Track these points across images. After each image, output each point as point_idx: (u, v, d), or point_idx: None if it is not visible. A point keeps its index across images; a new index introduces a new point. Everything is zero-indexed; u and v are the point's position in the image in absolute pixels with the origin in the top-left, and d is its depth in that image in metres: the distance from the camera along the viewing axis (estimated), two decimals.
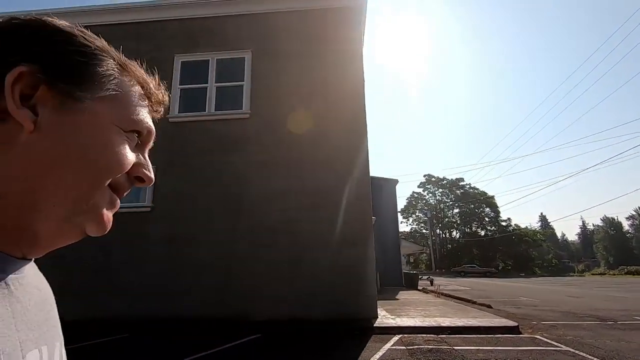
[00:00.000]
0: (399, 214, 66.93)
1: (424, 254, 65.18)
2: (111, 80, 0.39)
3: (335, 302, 7.35)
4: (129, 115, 0.40)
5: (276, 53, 8.95)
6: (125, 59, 0.43)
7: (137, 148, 0.43)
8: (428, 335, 6.15)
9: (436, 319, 7.35)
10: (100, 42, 0.41)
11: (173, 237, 7.98)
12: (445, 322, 6.93)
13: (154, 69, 0.48)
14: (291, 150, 8.27)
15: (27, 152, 0.34)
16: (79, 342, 5.96)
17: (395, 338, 6.00)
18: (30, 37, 0.36)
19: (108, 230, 0.40)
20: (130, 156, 0.40)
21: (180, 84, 9.01)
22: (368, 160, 8.25)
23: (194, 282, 7.67)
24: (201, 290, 7.62)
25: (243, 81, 8.85)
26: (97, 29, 0.46)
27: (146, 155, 0.44)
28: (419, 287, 18.77)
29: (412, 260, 59.21)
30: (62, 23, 0.39)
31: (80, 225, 0.38)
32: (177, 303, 7.54)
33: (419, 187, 64.80)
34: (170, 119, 8.68)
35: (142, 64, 0.47)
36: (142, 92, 0.43)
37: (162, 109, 0.47)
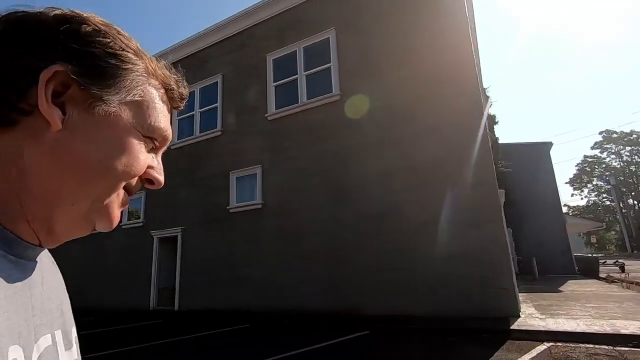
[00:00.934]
0: (566, 185, 54.76)
1: (613, 232, 51.55)
2: (139, 85, 0.40)
3: (457, 297, 6.09)
4: (150, 122, 0.41)
5: (360, 24, 8.12)
6: (153, 60, 0.44)
7: (152, 151, 0.44)
8: (596, 347, 4.34)
9: (614, 322, 5.22)
10: (134, 44, 0.42)
11: (282, 232, 8.14)
12: (630, 327, 4.82)
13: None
14: (388, 125, 7.32)
15: (52, 150, 0.35)
16: (216, 329, 6.62)
17: (541, 348, 4.44)
18: (70, 34, 0.36)
19: (114, 226, 0.42)
20: (146, 160, 0.41)
21: (273, 82, 9.18)
22: (483, 123, 6.56)
23: (303, 275, 7.63)
24: (311, 283, 7.51)
25: (330, 62, 8.36)
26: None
27: (159, 159, 0.45)
28: (601, 275, 14.56)
29: (594, 240, 47.62)
30: (100, 21, 0.40)
31: (92, 221, 0.39)
32: (290, 296, 7.64)
33: (593, 148, 51.35)
34: (268, 118, 8.94)
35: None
36: (165, 95, 0.45)
37: (183, 104, 0.48)
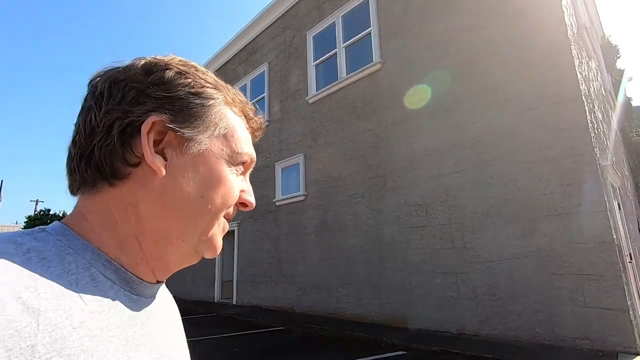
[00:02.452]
0: None
1: None
2: (222, 118, 0.43)
3: (534, 316, 4.34)
4: (237, 150, 0.44)
5: None
6: (230, 88, 0.47)
7: (241, 174, 0.46)
8: None
9: None
10: (211, 77, 0.45)
11: (324, 225, 7.28)
12: None
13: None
14: (438, 89, 5.77)
15: (160, 195, 0.39)
16: (255, 329, 6.22)
17: None
18: (157, 83, 0.40)
19: (219, 253, 0.44)
20: (240, 186, 0.44)
21: (314, 61, 8.33)
22: (575, 74, 4.54)
23: (345, 275, 6.64)
24: (351, 284, 6.47)
25: (370, 27, 7.10)
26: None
27: (248, 181, 0.47)
28: None
29: None
30: (179, 61, 0.43)
31: (200, 252, 0.43)
32: (334, 296, 6.74)
33: None
34: (309, 101, 8.14)
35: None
36: (244, 122, 0.47)
37: (259, 134, 0.50)
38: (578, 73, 4.50)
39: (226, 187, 0.42)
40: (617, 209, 4.84)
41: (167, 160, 0.39)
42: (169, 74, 0.41)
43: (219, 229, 0.43)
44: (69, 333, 0.30)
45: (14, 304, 0.28)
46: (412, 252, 5.68)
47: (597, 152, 4.37)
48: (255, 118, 0.49)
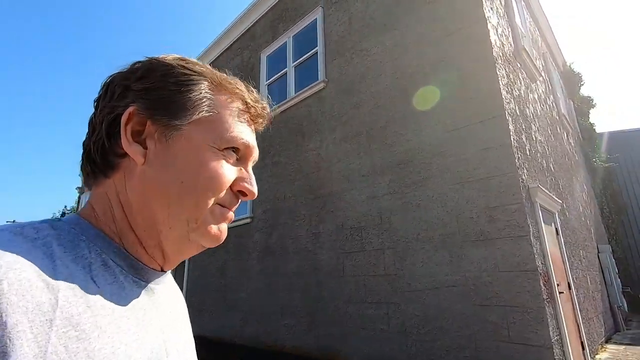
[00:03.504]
0: None
1: None
2: (203, 102, 0.42)
3: (463, 352, 3.95)
4: (223, 134, 0.43)
5: None
6: (224, 76, 0.46)
7: (239, 163, 0.45)
8: None
9: None
10: (198, 67, 0.44)
11: (268, 249, 6.87)
12: None
13: (250, 80, 0.52)
14: (374, 109, 5.58)
15: (142, 182, 0.40)
16: None
17: None
18: (139, 78, 0.42)
19: (222, 241, 0.44)
20: (229, 173, 0.43)
21: (266, 80, 8.19)
22: (499, 92, 4.38)
23: (286, 302, 6.18)
24: (290, 313, 6.01)
25: (317, 46, 7.00)
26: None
27: (249, 169, 0.47)
28: None
29: None
30: (169, 57, 0.44)
31: (195, 241, 0.43)
32: (274, 326, 6.24)
33: None
34: None
35: (245, 80, 0.50)
36: (241, 107, 0.46)
37: (264, 121, 0.50)
38: (504, 92, 4.34)
39: (209, 172, 0.41)
40: (553, 234, 4.56)
41: (147, 149, 0.40)
42: (149, 67, 0.42)
43: (212, 216, 0.42)
44: (83, 310, 0.33)
45: (37, 282, 0.30)
46: (348, 280, 5.29)
47: (524, 174, 4.14)
48: (256, 105, 0.47)
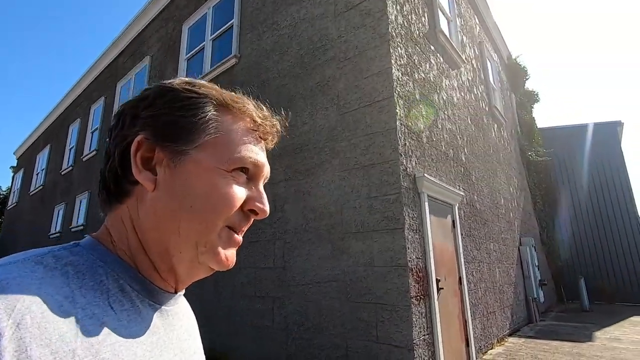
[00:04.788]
0: None
1: None
2: (209, 125, 0.42)
3: (336, 351, 3.67)
4: (230, 155, 0.43)
5: None
6: (232, 95, 0.46)
7: (249, 182, 0.45)
8: None
9: None
10: (205, 89, 0.44)
11: None
12: None
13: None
14: (280, 87, 5.12)
15: (153, 208, 0.41)
16: None
17: None
18: (146, 106, 0.43)
19: (231, 266, 0.44)
20: (239, 193, 0.42)
21: (186, 54, 7.52)
22: (390, 72, 4.03)
23: (197, 299, 5.71)
24: (202, 309, 5.56)
25: (233, 18, 6.42)
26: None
27: (260, 187, 0.46)
28: None
29: None
30: (176, 82, 0.45)
31: (204, 263, 0.42)
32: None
33: None
34: None
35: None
36: (249, 125, 0.45)
37: (274, 138, 0.49)
38: (398, 73, 3.99)
39: (217, 195, 0.41)
40: (446, 226, 4.33)
41: (157, 175, 0.41)
42: (156, 93, 0.43)
43: (220, 240, 0.42)
44: (102, 339, 0.34)
45: (59, 313, 0.31)
46: (242, 273, 4.89)
47: (410, 162, 3.84)
48: (264, 122, 0.47)
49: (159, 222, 0.41)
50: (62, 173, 12.12)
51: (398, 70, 4.03)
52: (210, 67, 6.64)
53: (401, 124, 3.82)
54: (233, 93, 0.46)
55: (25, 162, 17.24)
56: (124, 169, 0.42)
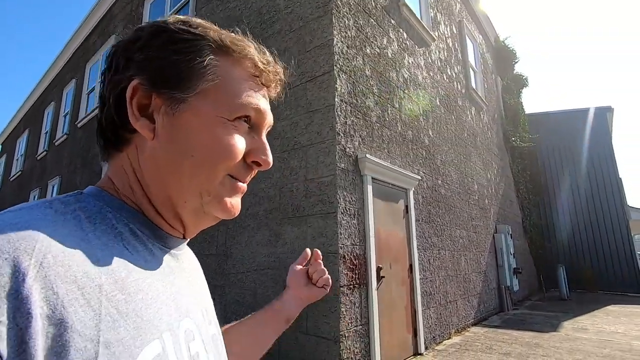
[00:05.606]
0: None
1: None
2: (207, 71, 0.40)
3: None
4: (231, 103, 0.40)
5: None
6: (231, 36, 0.42)
7: (251, 131, 0.43)
8: None
9: None
10: (202, 29, 0.41)
11: None
12: None
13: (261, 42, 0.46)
14: None
15: (153, 157, 0.40)
16: None
17: None
18: (141, 48, 0.40)
19: (237, 214, 0.43)
20: (240, 144, 0.41)
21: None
22: (332, 45, 3.72)
23: None
24: None
25: None
26: None
27: (262, 137, 0.44)
28: None
29: None
30: (171, 20, 0.41)
31: (210, 212, 0.42)
32: None
33: None
34: None
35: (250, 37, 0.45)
36: (251, 70, 0.43)
37: (277, 86, 0.46)
38: (342, 46, 3.68)
39: (218, 146, 0.40)
40: (397, 212, 4.09)
41: (154, 123, 0.39)
42: (150, 34, 0.40)
43: (224, 188, 0.42)
44: (125, 275, 0.34)
45: (78, 252, 0.31)
46: None
47: (351, 142, 3.56)
48: (267, 67, 0.44)
49: (161, 172, 0.40)
50: (38, 158, 11.86)
51: (343, 42, 3.72)
52: None
53: (342, 100, 3.54)
54: (232, 34, 0.43)
55: (7, 147, 16.97)
56: (120, 116, 0.40)
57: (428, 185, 5.05)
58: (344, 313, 3.06)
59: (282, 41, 4.11)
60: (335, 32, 3.63)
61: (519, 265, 8.21)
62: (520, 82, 12.27)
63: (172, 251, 0.43)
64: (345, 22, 3.82)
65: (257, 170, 0.44)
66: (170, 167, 0.39)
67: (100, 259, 0.32)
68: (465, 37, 8.05)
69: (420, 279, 4.35)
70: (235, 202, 0.43)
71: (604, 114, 11.95)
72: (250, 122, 0.42)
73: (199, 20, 0.42)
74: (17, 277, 0.26)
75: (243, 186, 0.43)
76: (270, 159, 0.44)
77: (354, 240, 3.33)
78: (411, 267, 4.18)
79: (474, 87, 8.00)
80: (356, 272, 3.28)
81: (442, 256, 5.09)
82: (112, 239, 0.36)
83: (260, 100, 0.43)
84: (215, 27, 0.42)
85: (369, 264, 3.43)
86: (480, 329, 5.46)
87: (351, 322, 3.12)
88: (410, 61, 5.17)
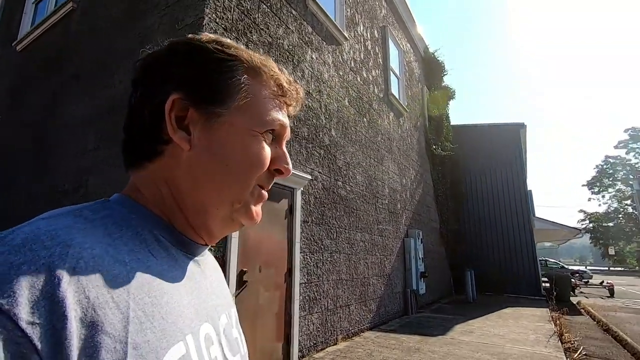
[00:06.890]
0: (584, 188, 48.73)
1: (635, 244, 45.84)
2: (242, 89, 0.43)
3: None
4: (261, 118, 0.44)
5: None
6: (260, 58, 0.46)
7: (274, 142, 0.46)
8: None
9: None
10: (234, 50, 0.44)
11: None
12: None
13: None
14: (108, 40, 4.26)
15: (190, 167, 0.42)
16: None
17: None
18: (179, 63, 0.42)
19: (258, 222, 0.46)
20: (268, 154, 0.44)
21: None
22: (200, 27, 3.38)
23: None
24: None
25: None
26: None
27: (283, 148, 0.47)
28: (574, 300, 10.95)
29: (612, 252, 42.24)
30: (204, 39, 0.44)
31: (237, 219, 0.44)
32: None
33: (618, 147, 45.49)
34: (18, 48, 6.04)
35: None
36: (276, 90, 0.46)
37: (297, 104, 0.50)
38: (213, 24, 3.35)
39: (251, 155, 0.42)
40: (279, 213, 3.84)
41: (190, 135, 0.41)
42: (188, 51, 0.42)
43: (252, 197, 0.44)
44: (151, 279, 0.36)
45: (108, 258, 0.33)
46: None
47: None
48: (290, 87, 0.48)
49: (197, 181, 0.42)
50: None
51: (218, 23, 3.39)
52: (54, 8, 5.52)
53: None
54: (261, 55, 0.46)
55: None
56: (154, 128, 0.41)
57: (324, 185, 4.90)
58: None
59: (157, 17, 3.68)
60: (207, 11, 3.29)
61: (427, 270, 8.45)
62: (447, 94, 12.85)
63: (195, 258, 0.45)
64: (223, 1, 3.50)
65: (275, 179, 0.47)
66: (206, 176, 0.41)
67: (127, 264, 0.34)
68: (388, 42, 8.14)
69: (301, 283, 4.14)
70: (259, 210, 0.45)
71: (517, 130, 12.90)
72: (274, 134, 0.46)
73: (229, 41, 0.45)
74: (53, 282, 0.28)
75: (266, 194, 0.46)
76: (291, 167, 0.47)
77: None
78: (290, 270, 3.96)
79: (395, 93, 8.11)
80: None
81: (334, 259, 4.95)
82: (137, 245, 0.37)
83: (284, 117, 0.47)
84: (243, 47, 0.45)
85: (227, 267, 3.13)
86: (373, 333, 5.42)
87: None
88: (314, 57, 4.98)
